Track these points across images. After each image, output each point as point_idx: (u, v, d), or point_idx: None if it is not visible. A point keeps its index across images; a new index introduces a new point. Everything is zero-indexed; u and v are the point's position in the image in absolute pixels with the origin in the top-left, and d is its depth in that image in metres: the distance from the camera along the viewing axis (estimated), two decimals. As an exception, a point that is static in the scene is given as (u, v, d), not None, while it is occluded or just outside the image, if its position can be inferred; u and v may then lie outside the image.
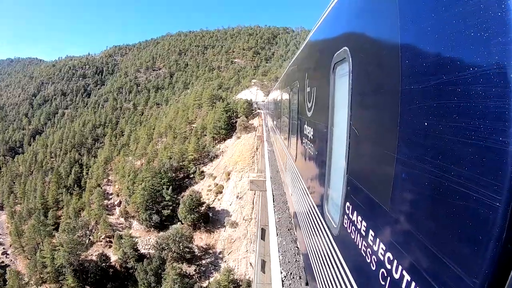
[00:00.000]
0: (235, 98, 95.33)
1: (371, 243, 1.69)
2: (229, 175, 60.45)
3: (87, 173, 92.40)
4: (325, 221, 2.87)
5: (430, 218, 1.18)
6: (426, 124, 1.22)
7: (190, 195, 54.38)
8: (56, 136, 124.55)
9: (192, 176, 68.30)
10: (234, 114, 79.96)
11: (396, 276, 1.36)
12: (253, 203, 48.61)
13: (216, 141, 77.35)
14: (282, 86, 9.22)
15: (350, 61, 2.19)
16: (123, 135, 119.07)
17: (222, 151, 71.12)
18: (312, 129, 3.97)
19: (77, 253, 47.67)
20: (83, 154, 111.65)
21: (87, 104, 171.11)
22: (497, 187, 0.83)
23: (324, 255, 2.80)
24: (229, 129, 76.01)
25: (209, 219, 54.54)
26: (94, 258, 50.57)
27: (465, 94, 0.98)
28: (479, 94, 0.92)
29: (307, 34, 4.80)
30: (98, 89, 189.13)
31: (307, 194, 4.01)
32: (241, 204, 52.41)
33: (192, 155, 71.18)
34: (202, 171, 67.62)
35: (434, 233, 1.14)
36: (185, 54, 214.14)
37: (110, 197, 74.70)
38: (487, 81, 0.88)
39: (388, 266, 1.46)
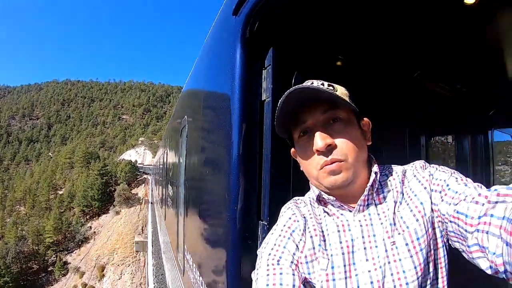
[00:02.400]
0: (118, 159, 77.97)
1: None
2: (103, 270, 41.36)
3: None
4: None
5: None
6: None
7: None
8: None
9: (50, 269, 46.81)
10: (113, 180, 61.86)
11: None
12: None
13: (87, 217, 57.71)
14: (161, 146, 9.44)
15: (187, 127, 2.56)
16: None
17: (94, 232, 52.28)
18: (172, 187, 4.16)
19: None
20: None
21: None
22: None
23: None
24: (105, 201, 57.25)
25: None
26: None
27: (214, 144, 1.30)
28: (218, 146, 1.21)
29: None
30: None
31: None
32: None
33: (50, 236, 49.50)
34: (65, 263, 46.80)
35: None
36: (68, 104, 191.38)
37: None
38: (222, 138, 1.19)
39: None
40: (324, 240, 0.72)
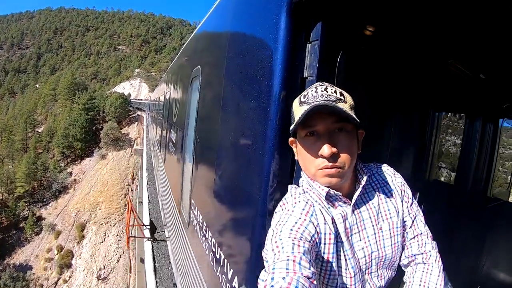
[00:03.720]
0: (109, 92, 66.10)
1: (205, 233, 1.97)
2: (83, 230, 32.24)
3: None
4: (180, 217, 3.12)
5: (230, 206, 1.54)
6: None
7: (13, 276, 28.13)
8: None
9: (22, 225, 36.79)
10: (101, 116, 51.70)
11: (217, 256, 1.65)
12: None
13: (67, 161, 47.65)
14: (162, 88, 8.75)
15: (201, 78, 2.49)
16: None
17: (75, 180, 42.39)
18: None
19: None
20: None
21: None
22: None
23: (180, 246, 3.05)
24: (89, 141, 47.33)
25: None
26: None
27: (249, 119, 1.30)
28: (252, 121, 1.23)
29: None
30: None
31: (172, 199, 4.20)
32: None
33: (22, 185, 40.65)
34: (39, 218, 37.16)
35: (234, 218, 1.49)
36: (61, 33, 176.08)
37: None
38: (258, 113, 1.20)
39: (214, 250, 1.74)
40: (335, 226, 0.89)
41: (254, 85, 1.25)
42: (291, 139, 0.95)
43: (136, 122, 50.44)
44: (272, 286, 0.62)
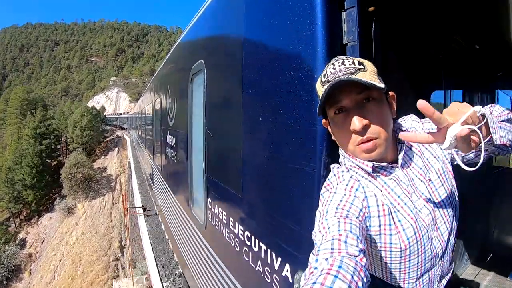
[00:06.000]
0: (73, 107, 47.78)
1: (232, 228, 1.93)
2: None
3: None
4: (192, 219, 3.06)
5: (270, 195, 1.47)
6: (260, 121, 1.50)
7: None
8: None
9: None
10: (63, 144, 35.49)
11: (255, 249, 1.61)
12: None
13: (16, 223, 30.67)
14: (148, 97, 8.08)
15: (205, 72, 2.43)
16: None
17: (30, 256, 26.49)
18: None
19: None
20: None
21: None
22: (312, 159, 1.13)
23: (195, 249, 2.98)
24: (46, 187, 30.70)
25: None
26: None
27: (286, 94, 1.25)
28: (296, 94, 1.19)
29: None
30: None
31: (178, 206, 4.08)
32: None
33: None
34: None
35: (275, 206, 1.44)
36: (28, 50, 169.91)
37: None
38: (301, 83, 1.16)
39: (248, 243, 1.69)
40: (390, 194, 0.88)
41: (290, 59, 1.22)
42: (324, 120, 0.92)
43: (116, 148, 33.77)
44: (316, 268, 0.59)
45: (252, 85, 1.60)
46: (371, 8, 1.21)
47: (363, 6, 1.07)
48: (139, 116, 11.93)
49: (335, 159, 1.03)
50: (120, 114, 47.87)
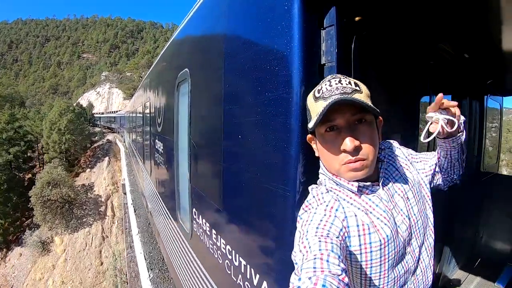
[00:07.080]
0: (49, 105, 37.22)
1: (215, 241, 1.90)
2: None
3: None
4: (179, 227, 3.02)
5: (248, 211, 1.45)
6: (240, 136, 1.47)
7: None
8: None
9: None
10: (38, 152, 27.90)
11: (236, 263, 1.57)
12: None
13: None
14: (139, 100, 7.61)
15: (190, 81, 2.38)
16: None
17: None
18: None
19: None
20: None
21: None
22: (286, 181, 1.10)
23: (182, 257, 2.95)
24: (14, 212, 23.34)
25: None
26: None
27: (263, 113, 1.22)
28: (272, 114, 1.16)
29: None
30: None
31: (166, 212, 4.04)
32: None
33: None
34: None
35: (253, 223, 1.41)
36: (17, 46, 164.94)
37: None
38: (277, 105, 1.12)
39: (229, 257, 1.66)
40: (372, 213, 0.88)
41: (268, 78, 1.19)
42: (309, 136, 0.92)
43: (106, 158, 26.17)
44: (299, 287, 0.59)
45: (232, 101, 1.56)
46: (357, 18, 1.17)
47: (343, 24, 1.03)
48: (131, 115, 11.23)
49: (311, 179, 1.01)
50: (103, 113, 41.23)
